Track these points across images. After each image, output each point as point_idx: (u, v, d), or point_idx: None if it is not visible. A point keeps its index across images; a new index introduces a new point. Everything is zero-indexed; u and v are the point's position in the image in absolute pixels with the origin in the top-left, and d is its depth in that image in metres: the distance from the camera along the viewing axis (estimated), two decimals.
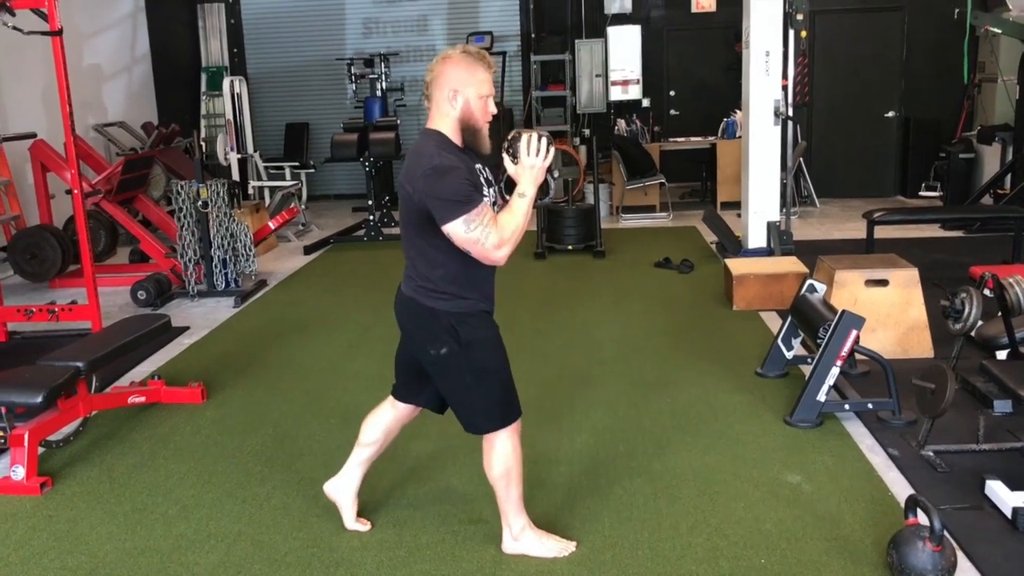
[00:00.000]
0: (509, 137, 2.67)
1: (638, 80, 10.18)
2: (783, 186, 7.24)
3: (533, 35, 10.92)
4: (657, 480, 3.37)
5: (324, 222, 9.79)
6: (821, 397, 3.80)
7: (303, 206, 9.83)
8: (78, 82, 8.74)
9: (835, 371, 3.80)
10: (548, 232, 7.73)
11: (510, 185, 2.70)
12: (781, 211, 7.10)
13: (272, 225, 7.18)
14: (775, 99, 6.78)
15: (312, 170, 10.72)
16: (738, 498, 3.21)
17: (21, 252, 6.77)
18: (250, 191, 9.82)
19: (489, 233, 2.55)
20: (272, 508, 3.28)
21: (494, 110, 2.69)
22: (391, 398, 3.01)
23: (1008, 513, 2.95)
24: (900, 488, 3.24)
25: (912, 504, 2.69)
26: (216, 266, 6.44)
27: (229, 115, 10.11)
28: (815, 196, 9.61)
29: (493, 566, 2.84)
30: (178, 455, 3.80)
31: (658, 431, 3.84)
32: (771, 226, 6.93)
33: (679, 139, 10.17)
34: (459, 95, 2.62)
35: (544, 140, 2.63)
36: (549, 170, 2.73)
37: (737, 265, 5.89)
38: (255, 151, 10.29)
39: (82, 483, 3.55)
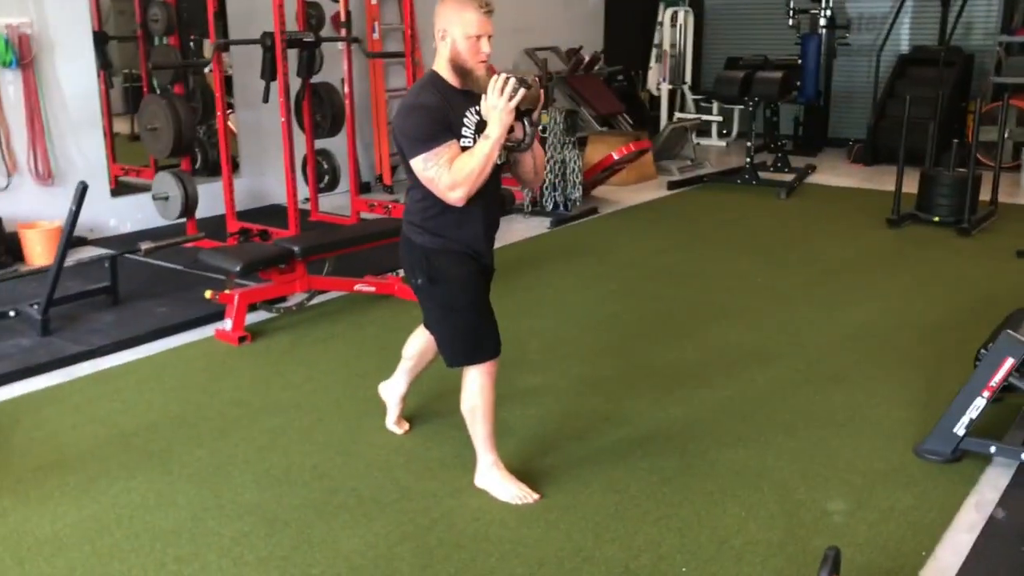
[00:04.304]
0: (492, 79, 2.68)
1: None
2: None
3: None
4: (697, 469, 3.13)
5: (727, 160, 9.67)
6: (959, 430, 3.12)
7: (696, 142, 9.83)
8: (524, 6, 9.61)
9: (979, 402, 3.09)
10: (920, 198, 6.83)
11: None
12: None
13: (615, 156, 7.38)
14: None
15: (741, 107, 10.54)
16: (749, 508, 2.88)
17: None
18: (661, 123, 10.09)
19: (443, 173, 2.64)
20: (369, 399, 3.63)
21: (487, 50, 2.69)
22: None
23: None
24: (950, 555, 2.64)
25: (831, 561, 2.24)
26: (546, 188, 6.90)
27: (667, 45, 10.43)
28: None
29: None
30: (355, 341, 4.40)
31: (778, 422, 3.49)
32: None
33: None
34: (447, 35, 2.68)
35: (512, 81, 2.61)
36: (529, 117, 2.71)
37: None
38: (686, 83, 10.49)
39: (269, 346, 4.34)
